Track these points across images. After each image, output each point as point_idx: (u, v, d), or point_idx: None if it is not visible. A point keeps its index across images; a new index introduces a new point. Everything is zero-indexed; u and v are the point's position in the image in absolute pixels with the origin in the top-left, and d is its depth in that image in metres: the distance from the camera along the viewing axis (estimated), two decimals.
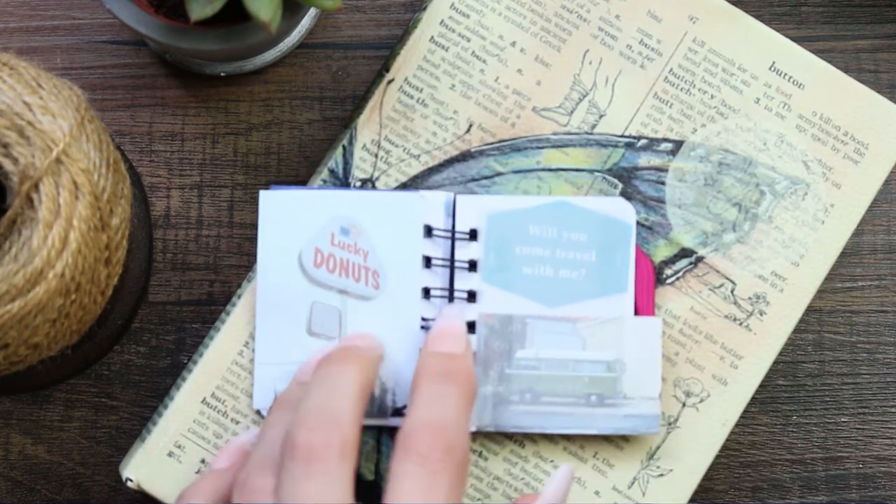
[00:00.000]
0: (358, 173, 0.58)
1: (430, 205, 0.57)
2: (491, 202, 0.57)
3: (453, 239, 0.57)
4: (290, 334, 0.56)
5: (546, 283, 0.57)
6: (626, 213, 0.57)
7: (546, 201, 0.57)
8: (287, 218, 0.57)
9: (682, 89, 0.58)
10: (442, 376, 0.52)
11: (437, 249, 0.57)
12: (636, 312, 0.57)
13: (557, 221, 0.57)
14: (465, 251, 0.57)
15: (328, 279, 0.56)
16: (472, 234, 0.57)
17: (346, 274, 0.56)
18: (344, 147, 0.58)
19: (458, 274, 0.56)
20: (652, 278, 0.57)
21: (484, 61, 0.58)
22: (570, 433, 0.56)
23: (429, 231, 0.57)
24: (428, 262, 0.56)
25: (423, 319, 0.56)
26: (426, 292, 0.56)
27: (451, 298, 0.56)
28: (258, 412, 0.57)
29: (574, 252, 0.57)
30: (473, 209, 0.57)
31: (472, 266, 0.56)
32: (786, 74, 0.58)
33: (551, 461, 0.57)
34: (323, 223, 0.57)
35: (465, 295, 0.56)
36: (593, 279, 0.57)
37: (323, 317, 0.56)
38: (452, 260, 0.57)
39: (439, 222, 0.57)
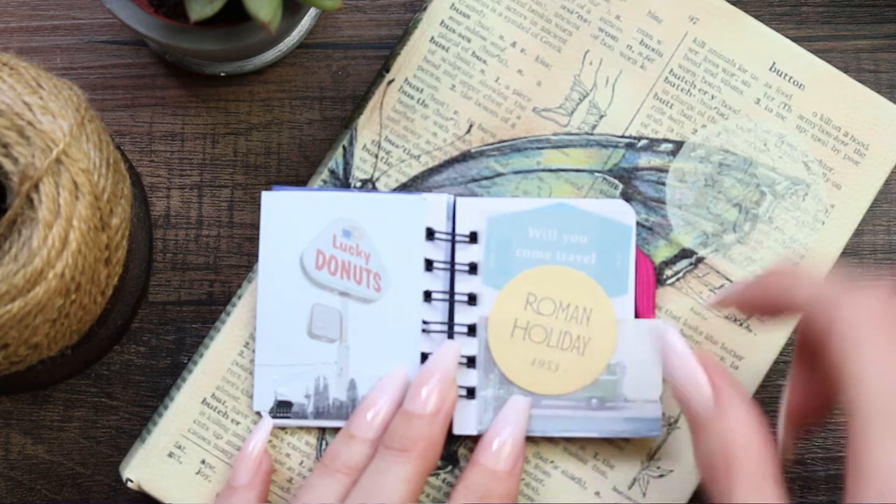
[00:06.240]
0: (358, 174, 0.58)
1: (432, 207, 0.57)
2: (491, 204, 0.57)
3: (453, 242, 0.57)
4: (290, 336, 0.56)
5: None
6: (626, 214, 0.57)
7: (546, 203, 0.57)
8: (289, 219, 0.57)
9: (682, 90, 0.58)
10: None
11: (439, 252, 0.57)
12: (636, 315, 0.57)
13: (557, 223, 0.57)
14: (465, 254, 0.57)
15: (329, 281, 0.56)
16: (473, 237, 0.57)
17: (347, 276, 0.56)
18: (344, 147, 0.58)
19: (458, 277, 0.56)
20: (652, 280, 0.57)
21: (484, 62, 0.58)
22: (571, 436, 0.56)
23: (430, 234, 0.56)
24: (429, 264, 0.56)
25: (424, 322, 0.56)
26: (427, 295, 0.56)
27: (451, 302, 0.56)
28: (258, 413, 0.57)
29: (574, 254, 0.57)
30: (473, 212, 0.57)
31: (473, 269, 0.56)
32: (786, 75, 0.58)
33: (551, 462, 0.57)
34: (325, 225, 0.57)
35: (465, 298, 0.56)
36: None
37: (324, 319, 0.56)
38: (453, 263, 0.57)
39: (441, 225, 0.57)
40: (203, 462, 0.57)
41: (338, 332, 0.56)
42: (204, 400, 0.57)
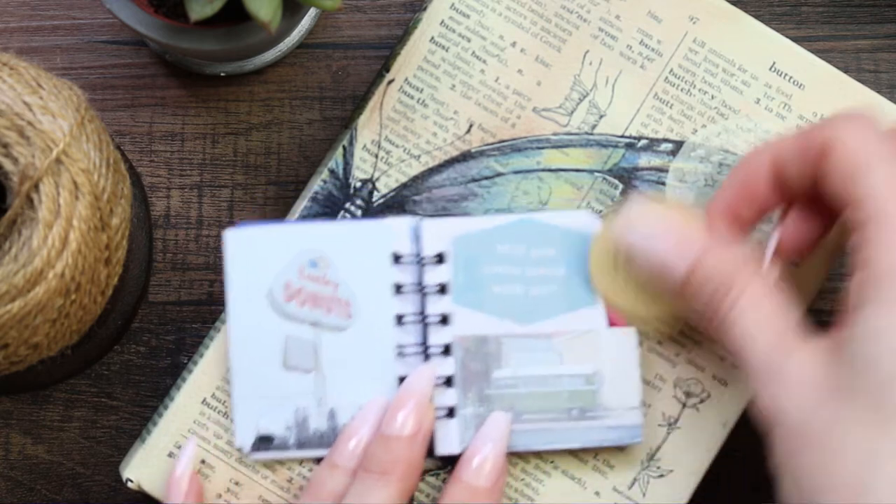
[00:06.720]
0: (358, 174, 0.58)
1: (397, 232, 0.56)
2: (456, 224, 0.56)
3: (421, 264, 0.56)
4: (266, 370, 0.56)
5: (517, 300, 0.56)
6: (591, 225, 0.57)
7: (511, 220, 0.57)
8: (254, 255, 0.56)
9: (682, 90, 0.58)
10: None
11: (407, 275, 0.56)
12: (610, 323, 0.56)
13: (524, 239, 0.57)
14: (434, 275, 0.56)
15: (300, 313, 0.56)
16: (440, 258, 0.56)
17: (317, 306, 0.56)
18: (344, 147, 0.58)
19: (429, 298, 0.56)
20: None
21: (484, 61, 0.58)
22: (553, 449, 0.56)
23: (397, 258, 0.56)
24: (398, 288, 0.56)
25: (398, 346, 0.56)
26: (399, 319, 0.56)
27: (423, 324, 0.56)
28: (240, 450, 0.56)
29: (543, 268, 0.56)
30: (439, 233, 0.56)
31: (443, 289, 0.56)
32: (786, 75, 0.58)
33: (551, 462, 0.57)
34: (291, 257, 0.56)
35: (437, 318, 0.56)
36: (564, 294, 0.56)
37: (297, 350, 0.56)
38: (422, 285, 0.56)
39: (406, 248, 0.56)
40: (203, 462, 0.57)
41: (313, 363, 0.56)
42: (204, 400, 0.57)
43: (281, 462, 0.56)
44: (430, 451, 0.56)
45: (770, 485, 0.61)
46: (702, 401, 0.57)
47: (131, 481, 0.57)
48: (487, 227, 0.57)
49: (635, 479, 0.57)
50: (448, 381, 0.56)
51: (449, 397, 0.56)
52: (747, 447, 0.61)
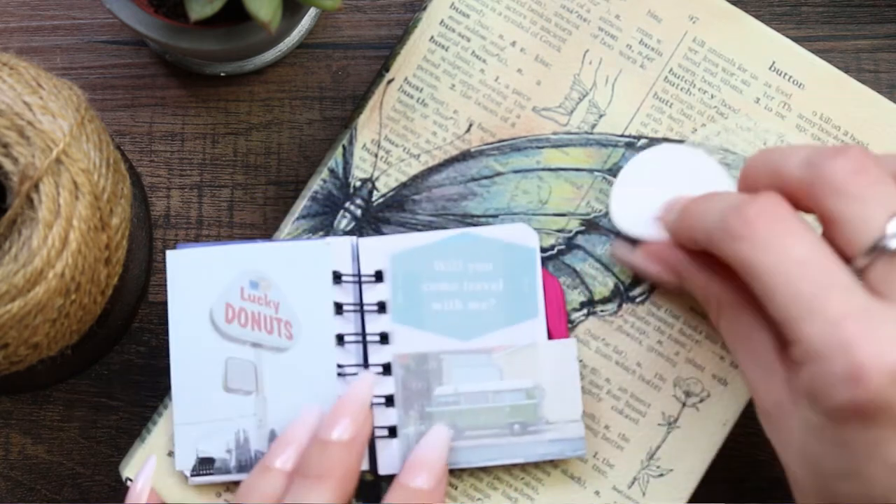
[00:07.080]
0: (358, 173, 0.58)
1: (336, 251, 0.56)
2: (393, 242, 0.56)
3: (360, 283, 0.56)
4: (206, 392, 0.56)
5: (457, 316, 0.56)
6: (528, 238, 0.57)
7: (448, 235, 0.57)
8: (196, 275, 0.56)
9: (682, 89, 0.58)
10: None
11: (347, 295, 0.56)
12: (550, 336, 0.56)
13: (461, 254, 0.56)
14: (372, 294, 0.56)
15: (241, 334, 0.56)
16: (378, 276, 0.56)
17: (258, 327, 0.56)
18: (344, 147, 0.58)
19: (368, 317, 0.56)
20: (562, 300, 0.57)
21: (484, 61, 0.58)
22: (496, 465, 0.56)
23: (337, 277, 0.56)
24: (339, 308, 0.56)
25: (339, 366, 0.56)
26: (340, 339, 0.56)
27: (363, 343, 0.56)
28: (182, 473, 0.56)
29: (481, 283, 0.56)
30: (376, 251, 0.56)
31: (382, 308, 0.56)
32: (786, 74, 0.59)
33: (551, 461, 0.57)
34: (232, 278, 0.56)
35: (377, 338, 0.56)
36: (503, 308, 0.56)
37: (238, 372, 0.56)
38: (361, 304, 0.56)
39: (346, 267, 0.56)
40: None
41: (253, 384, 0.56)
42: None
43: None
44: (374, 470, 0.56)
45: (770, 485, 0.62)
46: (702, 400, 0.57)
47: (131, 481, 0.57)
48: (424, 243, 0.56)
49: (635, 479, 0.57)
50: (389, 401, 0.56)
51: (390, 417, 0.56)
52: (747, 447, 0.61)
